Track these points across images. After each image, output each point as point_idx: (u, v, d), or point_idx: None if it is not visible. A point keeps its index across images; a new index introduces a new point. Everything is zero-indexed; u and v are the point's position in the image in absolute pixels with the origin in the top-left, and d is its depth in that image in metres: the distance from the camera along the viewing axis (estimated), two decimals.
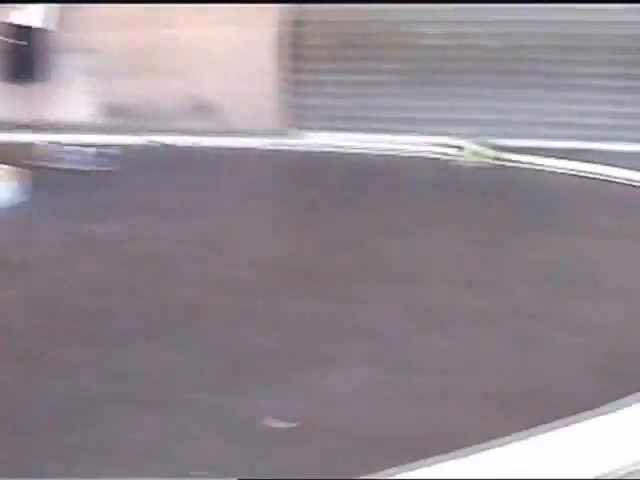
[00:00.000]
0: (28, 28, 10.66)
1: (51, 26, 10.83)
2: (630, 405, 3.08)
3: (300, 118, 10.87)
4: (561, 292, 4.88)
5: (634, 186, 7.67)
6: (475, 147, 8.99)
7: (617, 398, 3.16)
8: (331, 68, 10.69)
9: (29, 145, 8.68)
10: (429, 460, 2.83)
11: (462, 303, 4.65)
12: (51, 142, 8.75)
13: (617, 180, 7.89)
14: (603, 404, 3.08)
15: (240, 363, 3.87)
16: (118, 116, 10.89)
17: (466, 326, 4.33)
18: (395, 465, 2.81)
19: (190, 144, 10.03)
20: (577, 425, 2.94)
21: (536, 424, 2.99)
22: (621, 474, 2.88)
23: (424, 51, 10.31)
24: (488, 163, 8.91)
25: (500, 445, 2.89)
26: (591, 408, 3.07)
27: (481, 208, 7.02)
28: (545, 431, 2.92)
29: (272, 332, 4.25)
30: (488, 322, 4.38)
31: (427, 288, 4.95)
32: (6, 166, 7.26)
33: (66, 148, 8.50)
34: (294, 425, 3.23)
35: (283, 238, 6.26)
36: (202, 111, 10.79)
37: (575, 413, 3.03)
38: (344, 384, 3.64)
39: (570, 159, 8.61)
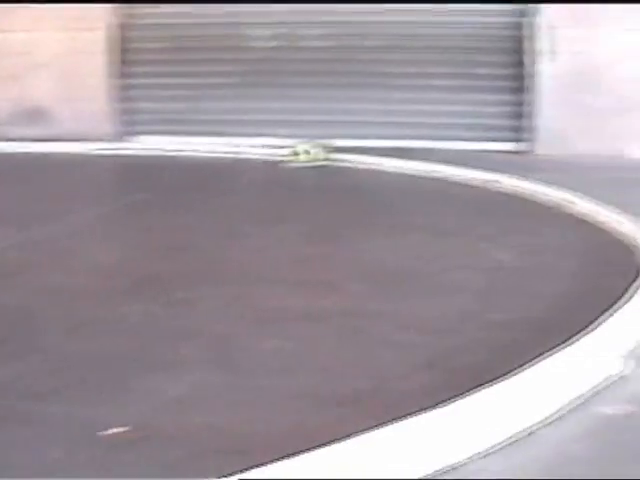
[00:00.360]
0: None
1: None
2: (463, 400, 3.17)
3: (132, 123, 10.73)
4: (394, 290, 4.97)
5: (466, 184, 7.91)
6: (307, 148, 9.08)
7: (450, 394, 3.24)
8: (163, 71, 10.59)
9: None
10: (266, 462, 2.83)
11: (297, 304, 4.68)
12: None
13: (450, 178, 8.12)
14: (437, 401, 3.15)
15: (77, 370, 3.79)
16: None
17: (301, 326, 4.36)
18: (233, 468, 2.80)
19: (20, 150, 9.74)
20: (410, 423, 2.99)
21: (370, 423, 3.03)
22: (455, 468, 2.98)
23: (256, 53, 10.34)
24: (321, 164, 9.02)
25: (335, 445, 2.91)
26: (425, 405, 3.13)
27: (314, 209, 7.09)
28: (378, 429, 2.96)
29: (109, 338, 4.18)
30: (323, 322, 4.42)
31: (263, 290, 4.96)
32: None
33: None
34: (131, 430, 3.19)
35: (118, 243, 6.16)
36: (33, 117, 10.51)
37: (409, 411, 3.08)
38: (183, 388, 3.61)
39: (403, 158, 8.80)
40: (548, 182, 7.33)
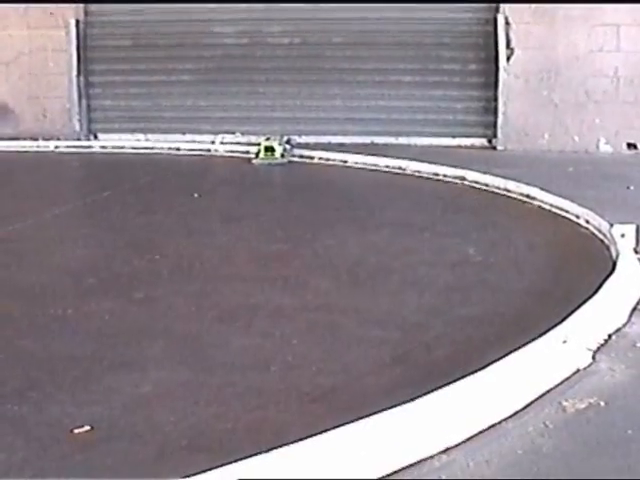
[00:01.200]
0: None
1: None
2: (430, 396, 3.17)
3: (95, 120, 10.67)
4: (362, 286, 4.98)
5: (432, 180, 7.93)
6: (273, 145, 9.06)
7: (417, 389, 3.25)
8: (123, 69, 10.53)
9: None
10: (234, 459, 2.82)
11: (263, 301, 4.67)
12: None
13: (417, 174, 8.14)
14: (404, 396, 3.15)
15: (41, 370, 3.76)
16: None
17: (268, 323, 4.35)
18: (200, 466, 2.79)
19: None
20: (376, 419, 2.99)
21: (337, 419, 3.02)
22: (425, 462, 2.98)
23: (220, 50, 10.31)
24: (286, 161, 9.01)
25: (302, 442, 2.90)
26: (392, 401, 3.14)
27: (280, 206, 7.10)
28: (344, 426, 2.95)
29: (74, 337, 4.15)
30: (290, 318, 4.41)
31: (229, 287, 4.94)
32: None
33: None
34: (98, 429, 3.18)
35: (82, 242, 6.11)
36: None
37: (376, 407, 3.08)
38: (149, 387, 3.59)
39: (370, 155, 8.81)
40: (514, 177, 7.37)
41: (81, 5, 10.44)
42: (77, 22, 10.45)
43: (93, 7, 10.53)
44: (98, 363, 3.83)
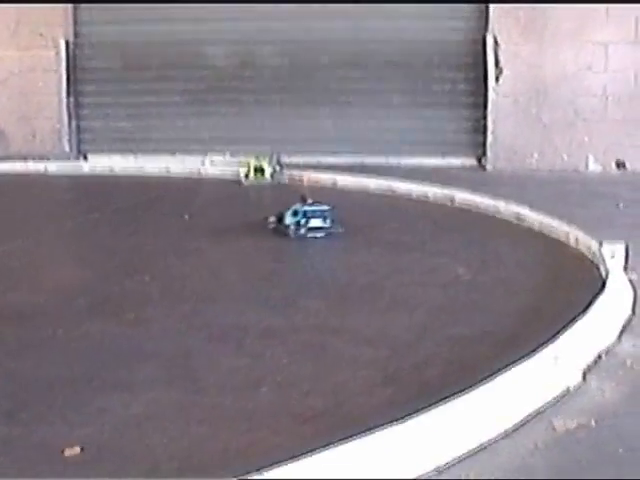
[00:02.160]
0: None
1: None
2: (422, 416, 3.18)
3: (84, 141, 10.69)
4: (352, 306, 4.98)
5: (422, 200, 7.95)
6: (262, 165, 9.08)
7: (408, 409, 3.25)
8: (113, 90, 10.57)
9: None
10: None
11: (253, 321, 4.67)
12: None
13: (407, 194, 8.16)
14: (395, 417, 3.16)
15: (33, 391, 3.76)
16: None
17: (258, 344, 4.35)
18: None
19: None
20: (368, 439, 3.00)
21: (328, 440, 3.03)
22: None
23: (207, 71, 10.36)
24: (276, 181, 9.02)
25: (292, 463, 2.91)
26: (383, 421, 3.15)
27: (265, 221, 7.06)
28: (335, 446, 2.96)
29: (66, 358, 4.15)
30: (281, 339, 4.42)
31: (218, 307, 4.94)
32: None
33: None
34: (89, 449, 3.18)
35: (72, 263, 6.12)
36: None
37: (367, 427, 3.09)
38: (139, 408, 3.59)
39: (360, 174, 8.83)
40: (504, 196, 7.40)
41: (71, 26, 10.48)
42: (67, 43, 10.49)
43: (83, 28, 10.58)
44: (88, 384, 3.83)
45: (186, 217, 7.29)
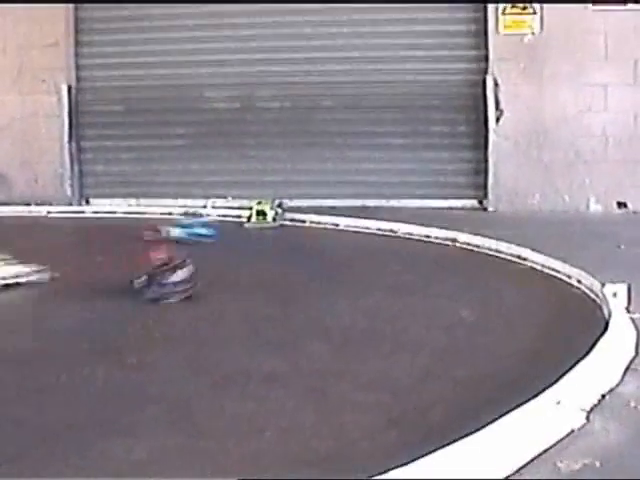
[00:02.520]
0: None
1: None
2: (426, 459, 3.18)
3: (87, 185, 10.75)
4: (355, 350, 4.98)
5: (423, 242, 7.98)
6: (264, 209, 9.11)
7: (413, 453, 3.25)
8: (115, 134, 10.64)
9: None
10: None
11: (256, 365, 4.67)
12: None
13: (408, 236, 8.19)
14: (400, 461, 3.16)
15: (35, 436, 3.75)
16: None
17: (261, 388, 4.35)
18: None
19: None
20: None
21: None
22: None
23: (211, 114, 10.42)
24: (277, 224, 9.05)
25: None
26: (388, 466, 3.15)
27: (271, 270, 7.10)
28: None
29: (66, 403, 4.15)
30: (283, 383, 4.42)
31: (221, 352, 4.95)
32: None
33: None
34: None
35: (73, 307, 6.12)
36: None
37: (375, 470, 3.09)
38: (142, 453, 3.59)
39: (360, 217, 8.86)
40: (506, 238, 7.42)
41: (73, 70, 10.57)
42: (69, 88, 10.58)
43: (85, 73, 10.67)
44: (91, 429, 3.83)
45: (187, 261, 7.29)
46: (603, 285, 5.53)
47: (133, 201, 10.45)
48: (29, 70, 10.52)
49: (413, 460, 3.16)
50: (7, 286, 6.37)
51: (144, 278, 5.86)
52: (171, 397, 4.23)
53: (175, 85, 10.42)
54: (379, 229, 8.52)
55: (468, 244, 7.62)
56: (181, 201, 10.20)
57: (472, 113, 9.86)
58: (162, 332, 5.36)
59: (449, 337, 5.20)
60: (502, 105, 9.68)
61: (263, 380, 4.45)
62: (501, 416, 3.54)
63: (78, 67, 10.64)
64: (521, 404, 3.64)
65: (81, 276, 6.81)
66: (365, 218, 8.81)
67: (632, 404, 4.05)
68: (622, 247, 7.46)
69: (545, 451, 3.54)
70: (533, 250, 6.91)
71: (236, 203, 9.79)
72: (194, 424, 3.91)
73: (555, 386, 3.86)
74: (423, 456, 3.20)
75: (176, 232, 8.04)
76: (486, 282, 6.53)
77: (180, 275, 5.86)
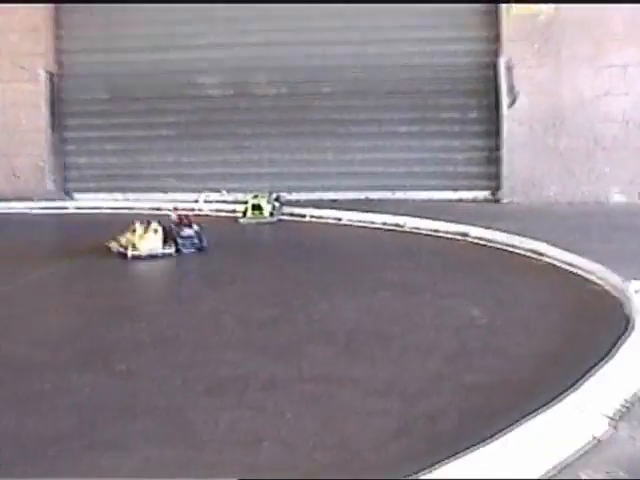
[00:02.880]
0: None
1: None
2: (438, 470, 3.18)
3: (67, 179, 10.74)
4: (361, 353, 4.97)
5: (433, 236, 7.97)
6: (261, 203, 9.11)
7: (423, 464, 3.25)
8: (99, 124, 10.63)
9: None
10: None
11: (255, 370, 4.67)
12: None
13: (416, 231, 8.19)
14: (410, 470, 3.16)
15: (22, 448, 3.76)
16: None
17: (260, 395, 4.34)
18: None
19: None
20: None
21: None
22: None
23: (200, 102, 10.41)
24: (276, 219, 9.06)
25: None
26: (398, 476, 3.14)
27: (270, 268, 7.11)
28: None
29: (52, 414, 4.14)
30: (283, 389, 4.41)
31: (217, 356, 4.94)
32: None
33: None
34: None
35: (61, 310, 6.11)
36: None
37: None
38: (135, 466, 3.58)
39: (365, 211, 8.85)
40: (521, 232, 7.42)
41: (53, 55, 10.55)
42: (50, 75, 10.56)
43: (67, 58, 10.65)
44: (78, 441, 3.82)
45: (182, 257, 7.30)
46: (626, 281, 5.52)
47: (119, 196, 10.44)
48: (8, 56, 10.51)
49: (422, 471, 3.15)
50: None
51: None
52: (163, 406, 4.22)
53: (164, 70, 10.41)
54: (385, 223, 8.52)
55: (480, 238, 7.62)
56: (171, 195, 10.19)
57: (484, 98, 9.85)
58: (155, 334, 5.35)
59: (461, 339, 5.19)
60: (516, 89, 9.66)
61: (261, 387, 4.45)
62: (518, 424, 3.53)
63: (60, 52, 10.63)
64: (539, 411, 3.63)
65: None
66: (369, 212, 8.80)
67: None
68: None
69: (566, 461, 3.53)
70: (550, 244, 6.90)
71: (230, 197, 9.77)
72: (188, 434, 3.90)
73: (576, 391, 3.85)
74: (432, 468, 3.19)
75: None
76: (500, 279, 6.53)
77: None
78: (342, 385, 4.45)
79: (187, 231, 7.63)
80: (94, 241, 8.33)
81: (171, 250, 7.46)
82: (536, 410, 3.64)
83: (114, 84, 10.57)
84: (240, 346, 5.12)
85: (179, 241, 7.56)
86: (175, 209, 8.81)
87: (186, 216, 7.91)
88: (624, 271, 5.82)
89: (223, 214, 9.42)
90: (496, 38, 9.73)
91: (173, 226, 7.66)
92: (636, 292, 5.35)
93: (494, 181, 9.86)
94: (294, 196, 9.82)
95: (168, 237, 7.56)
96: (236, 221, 9.09)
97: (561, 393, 3.81)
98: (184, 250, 7.53)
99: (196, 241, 7.62)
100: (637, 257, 6.77)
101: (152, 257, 7.30)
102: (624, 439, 3.76)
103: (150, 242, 7.44)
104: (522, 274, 6.64)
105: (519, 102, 9.66)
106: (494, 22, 9.73)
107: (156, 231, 7.50)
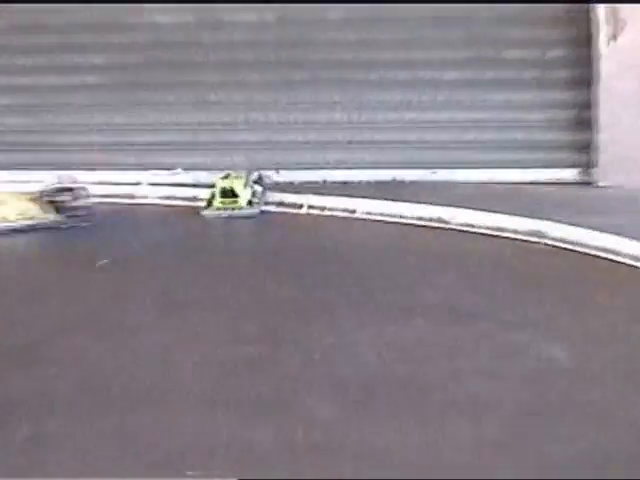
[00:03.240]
0: None
1: None
2: None
3: None
4: (378, 412, 5.03)
5: (490, 238, 8.05)
6: (234, 187, 9.15)
7: None
8: None
9: None
10: None
11: (226, 438, 4.71)
12: None
13: (465, 229, 8.27)
14: None
15: None
16: None
17: (234, 474, 4.39)
18: None
19: None
20: None
21: None
22: None
23: (144, 34, 10.35)
24: (252, 211, 9.09)
25: None
26: None
27: (246, 284, 7.15)
28: None
29: None
30: (267, 465, 4.45)
31: (167, 418, 4.98)
32: None
33: None
34: None
35: None
36: None
37: None
38: None
39: (387, 199, 8.91)
40: (622, 230, 7.45)
41: None
42: None
43: None
44: None
45: (123, 269, 7.39)
46: None
47: (21, 174, 10.46)
48: None
49: None
50: None
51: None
52: None
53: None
54: (420, 218, 8.56)
55: (564, 241, 7.67)
56: (98, 174, 10.19)
57: (571, 29, 9.88)
58: (73, 384, 5.40)
59: (534, 392, 5.24)
60: (619, 17, 9.70)
61: (236, 461, 4.49)
62: None
63: None
64: None
65: None
66: (397, 200, 8.85)
67: None
68: None
69: None
70: None
71: (189, 178, 9.81)
72: None
73: None
74: None
75: None
76: (590, 301, 6.57)
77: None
78: (353, 460, 4.50)
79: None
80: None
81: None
82: None
83: (15, 8, 10.59)
84: (202, 402, 5.17)
85: None
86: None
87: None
88: None
89: (178, 203, 9.46)
90: None
91: None
92: None
93: (585, 154, 9.89)
94: (284, 177, 9.84)
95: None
96: (198, 214, 9.13)
97: None
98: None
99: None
100: None
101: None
102: None
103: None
104: (622, 293, 6.69)
105: (625, 36, 9.70)
106: None
107: None
